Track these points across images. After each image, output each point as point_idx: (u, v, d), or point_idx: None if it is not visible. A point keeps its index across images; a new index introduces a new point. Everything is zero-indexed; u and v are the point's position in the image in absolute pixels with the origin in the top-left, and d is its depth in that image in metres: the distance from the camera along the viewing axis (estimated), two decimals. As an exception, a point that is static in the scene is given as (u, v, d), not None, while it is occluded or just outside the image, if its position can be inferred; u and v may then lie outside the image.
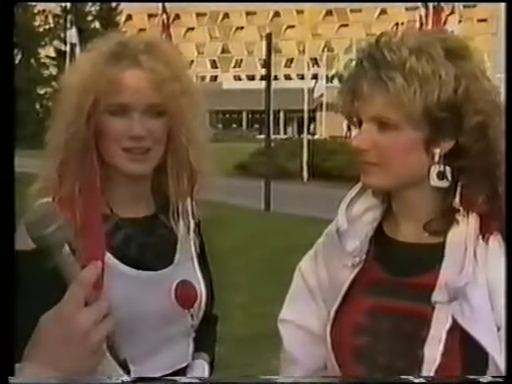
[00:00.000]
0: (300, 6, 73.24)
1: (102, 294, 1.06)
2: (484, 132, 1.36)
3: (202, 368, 1.74)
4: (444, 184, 1.38)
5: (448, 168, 1.38)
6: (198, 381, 1.11)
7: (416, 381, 1.14)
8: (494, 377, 1.23)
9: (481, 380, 1.15)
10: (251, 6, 76.75)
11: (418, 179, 1.40)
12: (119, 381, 1.06)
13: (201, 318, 1.68)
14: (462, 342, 1.32)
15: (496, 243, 1.35)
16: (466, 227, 1.37)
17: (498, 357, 1.29)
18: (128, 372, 1.16)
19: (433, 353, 1.32)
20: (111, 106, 1.56)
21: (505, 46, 1.38)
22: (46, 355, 1.00)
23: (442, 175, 1.38)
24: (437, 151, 1.37)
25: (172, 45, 1.76)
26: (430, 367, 1.32)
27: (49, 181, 1.59)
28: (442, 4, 17.23)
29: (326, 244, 1.57)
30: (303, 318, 1.58)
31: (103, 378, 1.07)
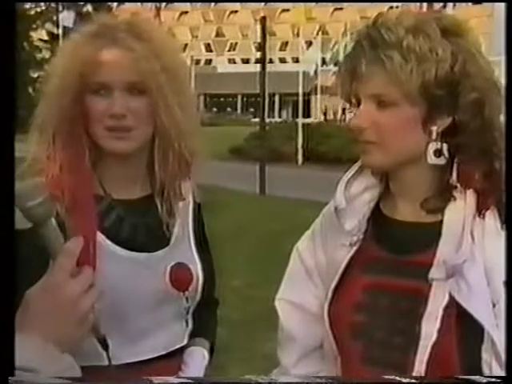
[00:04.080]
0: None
1: (86, 266, 1.09)
2: (480, 109, 1.38)
3: (201, 355, 1.74)
4: (441, 161, 1.41)
5: (445, 145, 1.40)
6: (191, 381, 1.11)
7: (405, 381, 1.14)
8: (493, 377, 1.25)
9: (478, 380, 1.16)
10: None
11: (416, 157, 1.42)
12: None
13: (197, 300, 1.69)
14: (458, 318, 1.35)
15: (492, 219, 1.38)
16: (463, 204, 1.39)
17: (493, 332, 1.32)
18: (106, 348, 1.18)
19: (430, 329, 1.35)
20: (93, 86, 1.57)
21: (505, 47, 1.40)
22: (35, 325, 1.03)
23: (438, 153, 1.40)
24: (434, 128, 1.39)
25: (157, 24, 1.76)
26: (426, 343, 1.35)
27: (38, 163, 1.59)
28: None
29: (323, 224, 1.59)
30: (300, 297, 1.60)
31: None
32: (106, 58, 1.56)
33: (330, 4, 77.30)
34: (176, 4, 78.54)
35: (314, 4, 77.82)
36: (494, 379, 1.16)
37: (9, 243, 1.04)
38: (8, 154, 1.07)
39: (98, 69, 1.56)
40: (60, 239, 1.11)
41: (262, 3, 77.47)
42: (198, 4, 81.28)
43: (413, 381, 1.13)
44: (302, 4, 74.36)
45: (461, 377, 1.30)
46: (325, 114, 46.46)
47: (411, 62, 1.34)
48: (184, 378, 1.58)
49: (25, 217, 1.09)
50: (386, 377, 1.26)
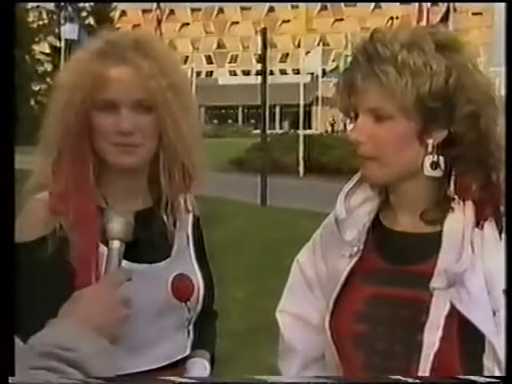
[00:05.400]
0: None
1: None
2: (476, 121, 1.40)
3: (203, 366, 1.75)
4: (437, 173, 1.43)
5: (441, 158, 1.42)
6: (195, 381, 1.13)
7: (410, 381, 1.15)
8: (492, 377, 1.26)
9: (478, 381, 1.17)
10: (246, 1, 76.76)
11: (414, 170, 1.44)
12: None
13: (198, 311, 1.70)
14: (459, 327, 1.36)
15: (490, 229, 1.40)
16: (461, 215, 1.41)
17: (494, 340, 1.34)
18: None
19: (432, 338, 1.36)
20: (99, 103, 1.59)
21: (505, 47, 1.41)
22: (79, 314, 1.26)
23: (435, 165, 1.42)
24: (430, 141, 1.42)
25: (162, 41, 1.79)
26: (429, 351, 1.37)
27: (44, 177, 1.61)
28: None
29: (323, 235, 1.60)
30: (301, 308, 1.61)
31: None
32: (114, 76, 1.58)
33: (330, 14, 77.60)
34: (177, 16, 78.91)
35: (314, 14, 78.16)
36: (493, 379, 1.17)
37: (9, 246, 1.06)
38: (8, 165, 1.08)
39: (107, 86, 1.58)
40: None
41: (263, 13, 77.77)
42: (199, 15, 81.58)
43: (414, 381, 1.14)
44: (303, 4, 74.49)
45: (461, 377, 1.31)
46: (332, 125, 46.31)
47: (406, 76, 1.37)
48: (191, 378, 1.59)
49: None
50: (390, 377, 1.27)
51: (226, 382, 1.25)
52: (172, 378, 1.19)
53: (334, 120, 46.68)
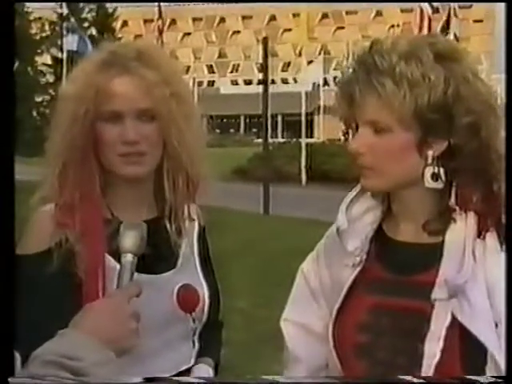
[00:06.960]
0: (296, 8, 73.66)
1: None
2: (476, 132, 1.40)
3: (206, 373, 1.74)
4: (438, 185, 1.42)
5: (442, 169, 1.42)
6: (201, 381, 1.14)
7: (415, 381, 1.15)
8: (493, 377, 1.25)
9: (480, 380, 1.16)
10: (247, 10, 76.97)
11: (414, 181, 1.43)
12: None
13: (204, 322, 1.70)
14: (461, 338, 1.36)
15: (493, 240, 1.40)
16: (463, 226, 1.41)
17: (496, 352, 1.33)
18: None
19: (433, 349, 1.36)
20: (104, 114, 1.60)
21: (505, 47, 1.41)
22: (88, 326, 1.26)
23: (435, 176, 1.42)
24: (430, 153, 1.41)
25: (163, 50, 1.80)
26: (430, 363, 1.36)
27: (50, 189, 1.62)
28: (439, 5, 17.26)
29: (327, 245, 1.60)
30: (305, 317, 1.61)
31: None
32: (118, 87, 1.59)
33: (331, 22, 77.74)
34: (179, 25, 79.11)
35: (315, 23, 78.31)
36: (494, 379, 1.17)
37: (10, 256, 1.08)
38: (8, 175, 1.08)
39: (111, 97, 1.59)
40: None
41: (264, 22, 77.96)
42: (201, 25, 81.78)
43: (417, 380, 1.14)
44: (305, 7, 74.57)
45: (462, 377, 1.30)
46: (345, 134, 46.26)
47: (404, 88, 1.36)
48: (193, 378, 1.59)
49: None
50: (397, 377, 1.26)
51: (236, 382, 1.25)
52: (177, 378, 1.20)
53: (346, 129, 46.65)
